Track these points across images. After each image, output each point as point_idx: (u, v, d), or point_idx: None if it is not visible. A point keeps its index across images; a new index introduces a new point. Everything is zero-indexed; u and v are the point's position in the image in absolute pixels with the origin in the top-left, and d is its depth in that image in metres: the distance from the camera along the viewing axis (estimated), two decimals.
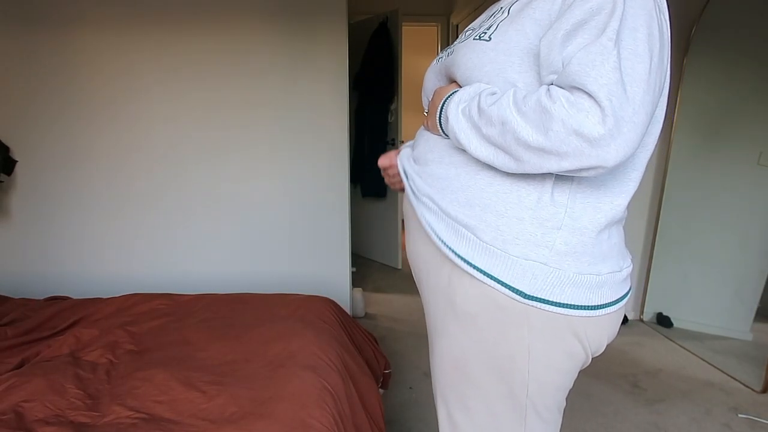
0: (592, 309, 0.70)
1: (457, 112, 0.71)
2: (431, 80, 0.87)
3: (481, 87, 0.71)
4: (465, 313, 0.75)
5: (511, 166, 0.66)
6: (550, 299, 0.69)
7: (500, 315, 0.72)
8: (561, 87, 0.61)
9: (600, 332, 0.74)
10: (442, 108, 0.75)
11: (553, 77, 0.63)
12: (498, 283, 0.70)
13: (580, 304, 0.70)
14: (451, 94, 0.74)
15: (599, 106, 0.57)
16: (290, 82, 2.39)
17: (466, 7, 3.64)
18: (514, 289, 0.69)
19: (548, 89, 0.61)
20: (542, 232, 0.69)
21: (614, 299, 0.72)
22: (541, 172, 0.64)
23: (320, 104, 2.42)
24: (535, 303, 0.69)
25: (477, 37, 0.74)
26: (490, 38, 0.72)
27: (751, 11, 2.42)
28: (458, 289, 0.75)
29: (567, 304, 0.69)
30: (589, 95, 0.57)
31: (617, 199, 0.72)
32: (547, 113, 0.59)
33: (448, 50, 0.83)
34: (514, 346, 0.73)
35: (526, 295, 0.69)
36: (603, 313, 0.71)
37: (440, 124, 0.76)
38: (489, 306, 0.73)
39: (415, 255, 0.85)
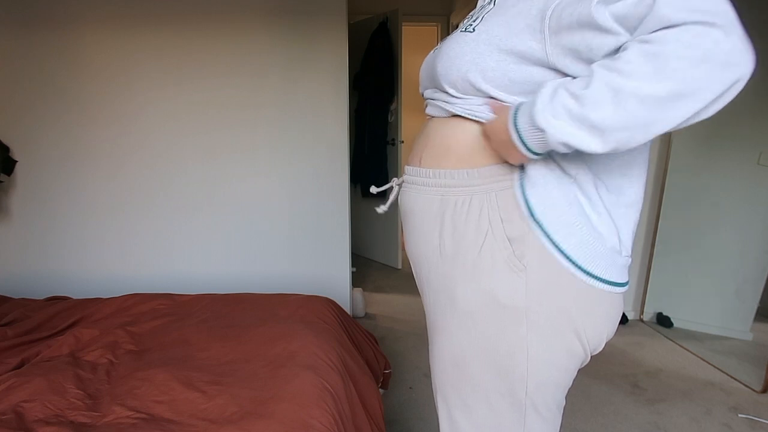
0: (586, 274, 0.70)
1: (548, 119, 0.62)
2: (425, 71, 0.87)
3: (555, 82, 0.64)
4: (465, 310, 0.75)
5: (638, 137, 0.59)
6: (553, 237, 0.69)
7: (500, 312, 0.72)
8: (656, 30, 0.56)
9: (599, 329, 0.74)
10: (518, 131, 0.66)
11: (626, 36, 0.58)
12: (520, 188, 0.71)
13: (577, 262, 0.69)
14: (517, 111, 0.67)
15: (712, 25, 0.53)
16: (290, 82, 2.39)
17: (466, 7, 3.64)
18: (528, 202, 0.70)
19: (642, 39, 0.56)
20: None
21: (610, 279, 0.72)
22: (674, 125, 0.57)
23: (320, 104, 2.42)
24: (538, 231, 0.70)
25: (463, 29, 0.76)
26: (474, 30, 0.73)
27: (751, 11, 2.42)
28: (458, 286, 0.75)
29: (566, 254, 0.69)
30: (696, 23, 0.54)
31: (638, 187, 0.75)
32: (660, 56, 0.54)
33: (442, 42, 0.84)
34: (513, 344, 0.73)
35: (533, 214, 0.70)
36: (597, 286, 0.71)
37: (527, 148, 0.66)
38: (489, 304, 0.73)
39: (416, 253, 0.85)
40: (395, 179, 0.92)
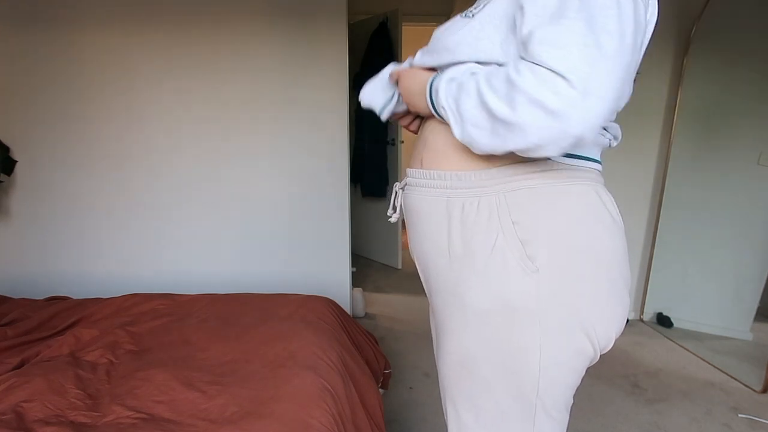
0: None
1: (447, 87, 0.71)
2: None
3: (467, 66, 0.71)
4: (475, 312, 0.75)
5: (484, 141, 0.66)
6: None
7: (511, 314, 0.72)
8: (527, 61, 0.60)
9: (608, 328, 0.74)
10: (431, 87, 0.75)
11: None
12: None
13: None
14: (440, 74, 0.75)
15: (563, 78, 0.56)
16: (290, 82, 2.39)
17: (466, 7, 3.64)
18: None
19: (517, 63, 0.61)
20: None
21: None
22: (507, 148, 0.63)
23: (320, 104, 2.42)
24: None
25: (463, 15, 0.76)
26: (474, 16, 0.74)
27: (751, 11, 2.42)
28: (469, 288, 0.75)
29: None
30: (551, 70, 0.57)
31: None
32: (513, 85, 0.59)
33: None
34: (524, 346, 0.73)
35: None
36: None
37: (432, 103, 0.76)
38: (500, 305, 0.73)
39: (421, 253, 0.85)
40: (397, 183, 0.92)
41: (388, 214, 0.93)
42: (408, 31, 3.62)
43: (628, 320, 2.85)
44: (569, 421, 0.82)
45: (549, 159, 0.72)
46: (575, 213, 0.72)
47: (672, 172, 2.69)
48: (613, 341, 0.77)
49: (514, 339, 0.73)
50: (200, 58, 2.32)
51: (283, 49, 2.35)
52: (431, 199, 0.80)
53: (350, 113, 2.54)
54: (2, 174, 2.29)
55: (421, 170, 0.82)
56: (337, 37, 2.36)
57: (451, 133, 0.78)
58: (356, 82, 3.69)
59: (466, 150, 0.76)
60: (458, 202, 0.76)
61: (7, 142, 2.31)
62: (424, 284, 0.89)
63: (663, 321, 2.78)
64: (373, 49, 3.61)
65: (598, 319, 0.73)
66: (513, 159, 0.72)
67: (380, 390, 1.71)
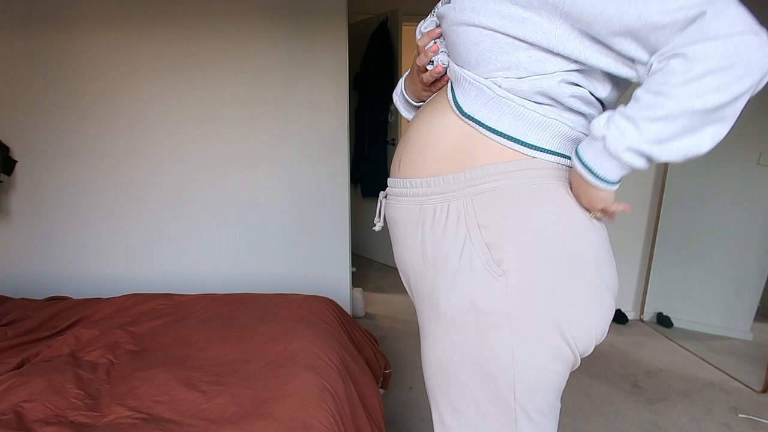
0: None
1: (609, 128, 0.62)
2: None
3: (599, 122, 0.63)
4: (447, 317, 0.76)
5: (706, 137, 0.59)
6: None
7: (481, 318, 0.72)
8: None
9: (585, 331, 0.73)
10: (581, 160, 0.66)
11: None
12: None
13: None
14: (577, 148, 0.68)
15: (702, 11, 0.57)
16: (290, 82, 2.39)
17: None
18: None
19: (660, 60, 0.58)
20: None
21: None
22: (742, 98, 0.59)
23: (320, 104, 2.43)
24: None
25: None
26: None
27: (750, 11, 2.42)
28: (440, 293, 0.76)
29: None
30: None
31: None
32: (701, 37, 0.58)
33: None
34: (497, 349, 0.73)
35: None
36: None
37: (594, 174, 0.66)
38: (470, 310, 0.73)
39: (403, 262, 0.86)
40: (381, 192, 0.93)
41: (374, 222, 0.93)
42: (408, 31, 3.62)
43: (628, 320, 2.85)
44: (566, 420, 0.81)
45: (517, 160, 0.71)
46: (544, 214, 0.70)
47: (671, 172, 2.69)
48: (595, 343, 0.75)
49: (486, 343, 0.73)
50: (200, 59, 2.32)
51: (283, 49, 2.35)
52: (406, 207, 0.81)
53: (350, 113, 2.54)
54: (2, 174, 2.29)
55: (397, 179, 0.83)
56: (337, 37, 2.37)
57: (434, 133, 0.78)
58: (356, 82, 3.70)
59: (440, 153, 0.76)
60: (429, 209, 0.77)
61: (7, 142, 2.31)
62: (407, 291, 0.91)
63: (663, 321, 2.78)
64: (373, 49, 3.62)
65: (575, 321, 0.71)
66: (482, 161, 0.72)
67: (380, 390, 1.71)
